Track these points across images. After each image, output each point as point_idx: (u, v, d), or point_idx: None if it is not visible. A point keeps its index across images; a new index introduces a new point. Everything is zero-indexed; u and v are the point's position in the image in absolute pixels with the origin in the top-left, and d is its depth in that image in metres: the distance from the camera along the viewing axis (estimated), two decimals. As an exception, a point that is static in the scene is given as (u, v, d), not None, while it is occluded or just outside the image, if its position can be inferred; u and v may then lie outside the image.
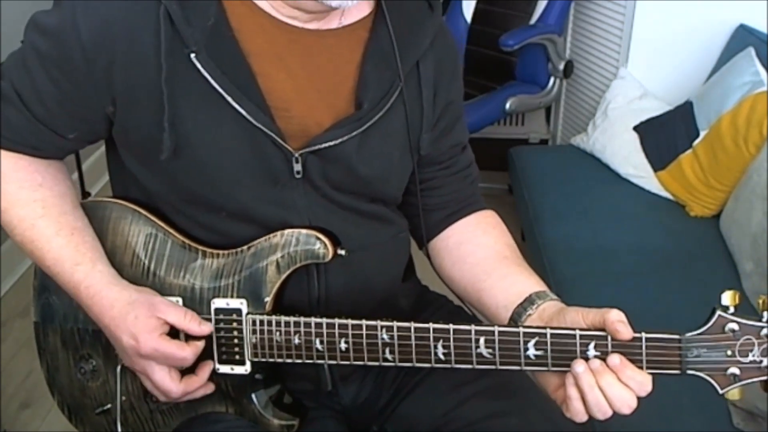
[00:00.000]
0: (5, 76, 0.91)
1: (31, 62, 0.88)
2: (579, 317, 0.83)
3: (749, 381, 0.79)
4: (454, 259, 1.03)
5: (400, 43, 0.92)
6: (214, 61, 0.85)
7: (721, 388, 0.79)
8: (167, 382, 0.90)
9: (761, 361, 0.78)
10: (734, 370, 0.79)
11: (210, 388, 0.94)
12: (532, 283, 0.94)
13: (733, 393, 0.79)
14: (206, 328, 0.90)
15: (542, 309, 0.89)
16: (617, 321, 0.79)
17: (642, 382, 0.78)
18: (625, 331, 0.79)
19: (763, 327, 0.78)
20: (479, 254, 1.01)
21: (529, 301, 0.90)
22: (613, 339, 0.79)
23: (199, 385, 0.92)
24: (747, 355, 0.78)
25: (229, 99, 0.85)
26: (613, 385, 0.78)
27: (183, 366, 0.90)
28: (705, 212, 2.03)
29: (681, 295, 1.70)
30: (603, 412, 0.79)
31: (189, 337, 0.90)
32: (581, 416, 0.80)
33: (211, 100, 0.85)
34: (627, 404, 0.78)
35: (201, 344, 0.90)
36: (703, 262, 1.85)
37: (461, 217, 1.05)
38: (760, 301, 0.78)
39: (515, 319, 0.90)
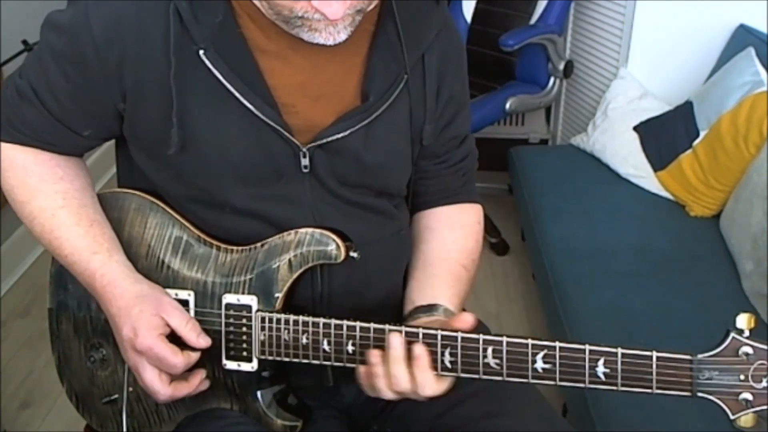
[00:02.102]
0: (24, 75, 0.94)
1: (46, 59, 0.90)
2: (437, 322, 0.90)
3: (762, 408, 0.75)
4: (413, 240, 1.07)
5: (406, 36, 0.93)
6: (222, 57, 0.86)
7: (733, 414, 0.76)
8: (156, 383, 0.90)
9: None
10: (747, 395, 0.75)
11: (205, 385, 0.94)
12: (448, 297, 0.99)
13: (746, 419, 0.75)
14: (203, 341, 0.90)
15: (432, 318, 0.94)
16: (460, 319, 0.84)
17: (422, 383, 0.83)
18: (468, 319, 0.84)
19: None
20: (429, 246, 1.05)
21: (431, 308, 0.96)
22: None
23: (187, 392, 0.92)
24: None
25: (237, 94, 0.86)
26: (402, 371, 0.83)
27: (172, 372, 0.90)
28: (705, 212, 2.03)
29: (681, 295, 1.70)
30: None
31: (188, 346, 0.90)
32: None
33: (219, 96, 0.87)
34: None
35: (195, 356, 0.90)
36: (703, 262, 1.84)
37: (444, 204, 1.08)
38: None
39: (406, 318, 0.97)
